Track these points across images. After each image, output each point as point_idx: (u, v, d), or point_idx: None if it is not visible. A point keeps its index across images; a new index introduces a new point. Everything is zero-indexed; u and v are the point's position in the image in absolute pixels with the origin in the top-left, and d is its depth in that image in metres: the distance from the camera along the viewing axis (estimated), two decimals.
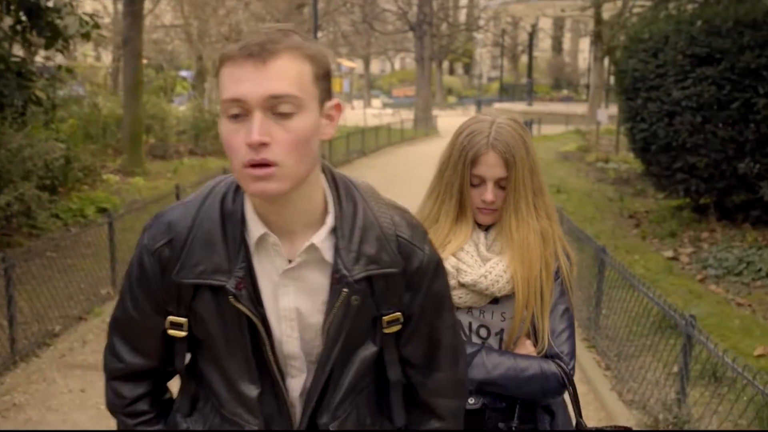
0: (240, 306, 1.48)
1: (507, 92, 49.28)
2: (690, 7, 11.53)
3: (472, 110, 45.48)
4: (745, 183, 8.96)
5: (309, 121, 1.40)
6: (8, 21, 9.28)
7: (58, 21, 9.62)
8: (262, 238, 1.49)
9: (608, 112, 23.18)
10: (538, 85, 48.26)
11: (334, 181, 1.57)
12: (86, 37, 9.69)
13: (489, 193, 2.02)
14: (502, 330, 2.08)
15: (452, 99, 52.74)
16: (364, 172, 17.01)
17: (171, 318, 1.56)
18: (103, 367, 1.68)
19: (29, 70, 9.05)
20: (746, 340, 5.63)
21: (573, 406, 2.12)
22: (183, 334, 1.56)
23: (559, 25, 56.43)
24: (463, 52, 59.39)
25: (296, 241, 1.51)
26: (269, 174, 1.36)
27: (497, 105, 42.57)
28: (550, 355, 2.04)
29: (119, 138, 16.02)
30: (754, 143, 8.74)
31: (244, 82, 1.35)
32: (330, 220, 1.52)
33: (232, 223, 1.49)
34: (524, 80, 47.88)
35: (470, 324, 2.08)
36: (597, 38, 24.98)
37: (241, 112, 1.36)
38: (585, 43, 51.30)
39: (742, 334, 5.77)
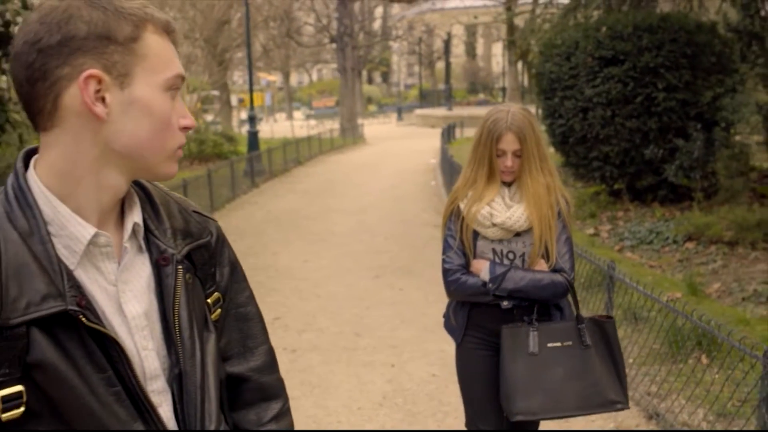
0: (94, 325, 1.18)
1: (425, 98, 50.63)
2: (595, 14, 12.84)
3: (393, 117, 46.68)
4: (651, 167, 10.25)
5: None
6: None
7: None
8: (91, 243, 1.24)
9: None
10: (454, 89, 49.71)
11: None
12: None
13: (509, 161, 2.93)
14: (523, 253, 2.99)
15: (373, 107, 53.89)
16: (304, 180, 17.97)
17: (1, 393, 1.13)
18: None
19: (2, 95, 9.69)
20: (657, 290, 6.80)
21: (573, 303, 3.06)
22: (20, 411, 1.15)
23: (471, 31, 58.22)
24: (380, 61, 60.71)
25: (111, 235, 1.29)
26: None
27: (418, 111, 43.76)
28: (557, 270, 2.95)
29: None
30: (656, 132, 10.03)
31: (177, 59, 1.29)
32: (136, 198, 1.35)
33: (36, 240, 1.19)
34: (441, 86, 49.31)
35: (501, 251, 3.01)
36: (511, 45, 26.45)
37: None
38: (497, 48, 53.11)
39: (654, 286, 6.94)
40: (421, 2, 40.25)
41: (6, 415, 1.13)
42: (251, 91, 19.34)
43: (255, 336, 1.57)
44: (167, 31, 1.26)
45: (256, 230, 11.68)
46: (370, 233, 11.06)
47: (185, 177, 12.53)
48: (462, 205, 3.05)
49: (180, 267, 1.34)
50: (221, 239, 1.51)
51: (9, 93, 10.74)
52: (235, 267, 1.55)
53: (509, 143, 2.91)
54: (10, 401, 1.13)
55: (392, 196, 14.49)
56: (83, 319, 1.17)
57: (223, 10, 27.35)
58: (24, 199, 1.22)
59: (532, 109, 20.18)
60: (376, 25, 49.83)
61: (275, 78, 57.08)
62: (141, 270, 1.32)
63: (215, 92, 32.17)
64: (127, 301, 1.27)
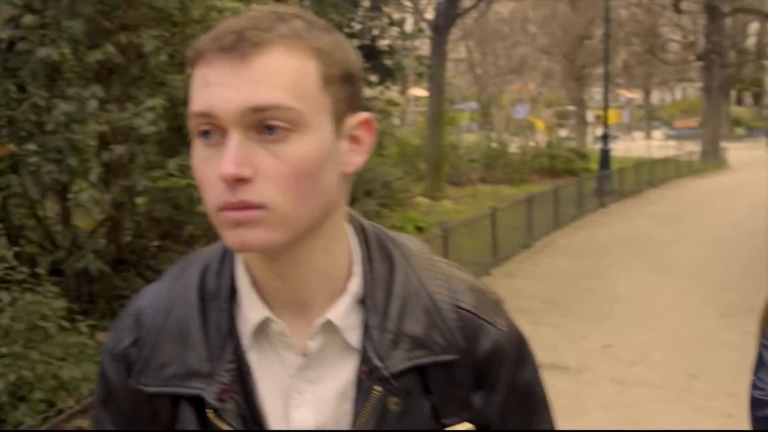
0: (222, 425, 1.00)
1: None
2: None
3: (762, 143, 43.12)
4: None
5: (315, 144, 0.95)
6: None
7: (387, 62, 11.15)
8: (262, 325, 1.03)
9: None
10: None
11: (364, 234, 1.10)
12: (420, 76, 11.11)
13: None
14: None
15: (740, 130, 50.26)
16: (656, 203, 17.28)
17: None
18: None
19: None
20: None
21: None
22: None
23: None
24: (752, 81, 56.41)
25: (313, 323, 1.04)
26: (253, 219, 0.94)
27: None
28: None
29: (420, 165, 17.75)
30: None
31: (215, 87, 0.93)
32: (355, 286, 1.05)
33: (215, 306, 1.05)
34: None
35: None
36: None
37: (213, 130, 0.94)
38: None
39: None
40: None
41: None
42: (606, 108, 19.04)
43: None
44: (211, 51, 0.94)
45: (598, 251, 11.43)
46: (721, 267, 10.29)
47: (531, 192, 12.63)
48: None
49: (378, 388, 1.01)
50: (500, 355, 1.09)
51: None
52: (526, 393, 1.13)
53: None
54: None
55: (751, 229, 13.33)
56: (210, 414, 1.00)
57: (584, 26, 27.24)
58: (229, 257, 1.07)
59: None
60: (750, 42, 46.44)
61: (635, 95, 55.58)
62: (342, 371, 1.03)
63: (571, 107, 32.19)
64: (298, 405, 1.03)
